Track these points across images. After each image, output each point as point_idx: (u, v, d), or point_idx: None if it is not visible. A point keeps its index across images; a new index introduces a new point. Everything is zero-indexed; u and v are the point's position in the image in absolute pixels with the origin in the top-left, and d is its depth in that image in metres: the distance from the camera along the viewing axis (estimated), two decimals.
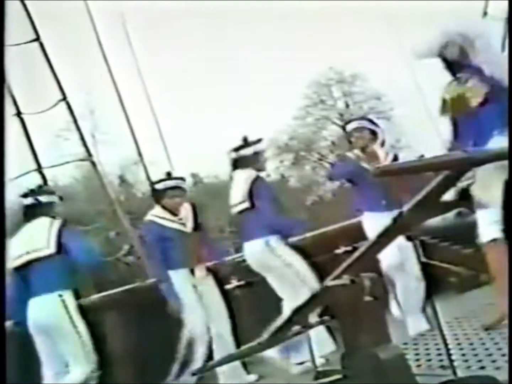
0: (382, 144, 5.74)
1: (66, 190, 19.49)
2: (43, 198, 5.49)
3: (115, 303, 6.52)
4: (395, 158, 5.70)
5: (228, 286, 5.74)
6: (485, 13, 11.05)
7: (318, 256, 5.52)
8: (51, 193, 5.76)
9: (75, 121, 9.09)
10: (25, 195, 5.51)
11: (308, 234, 8.25)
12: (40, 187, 5.88)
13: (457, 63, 4.69)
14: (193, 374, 5.25)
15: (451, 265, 5.92)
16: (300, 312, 2.67)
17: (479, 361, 3.97)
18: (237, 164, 5.64)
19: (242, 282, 5.76)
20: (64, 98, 8.99)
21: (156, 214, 5.68)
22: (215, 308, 5.59)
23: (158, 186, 5.73)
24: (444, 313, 4.48)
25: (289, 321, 2.76)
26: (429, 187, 1.94)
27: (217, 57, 25.62)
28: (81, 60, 13.94)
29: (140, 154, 10.34)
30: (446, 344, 3.41)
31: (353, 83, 29.73)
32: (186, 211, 5.72)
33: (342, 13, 23.18)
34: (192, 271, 5.56)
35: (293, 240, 5.60)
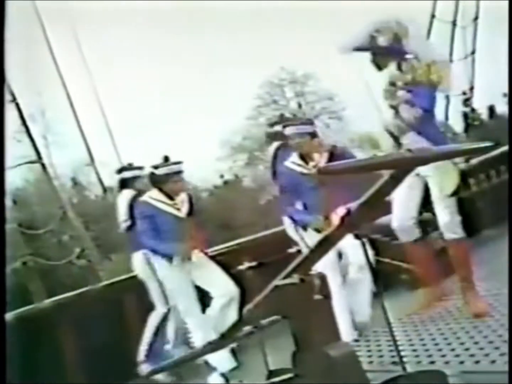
0: (320, 143, 5.62)
1: (19, 193, 19.17)
2: (124, 175, 6.45)
3: (68, 307, 6.46)
4: (331, 156, 5.55)
5: None
6: (433, 16, 11.24)
7: (270, 256, 5.53)
8: (133, 169, 6.53)
9: (24, 122, 8.94)
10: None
11: (260, 234, 8.29)
12: (123, 167, 6.75)
13: (386, 52, 4.72)
14: (147, 376, 5.23)
15: (402, 262, 5.99)
16: (250, 312, 2.68)
17: (429, 356, 4.05)
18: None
19: None
20: (14, 100, 8.83)
21: (152, 196, 5.67)
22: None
23: (158, 172, 5.69)
24: (396, 310, 4.54)
25: (240, 322, 2.76)
26: (375, 187, 1.95)
27: (168, 58, 25.51)
28: (30, 61, 13.71)
29: (91, 156, 10.24)
30: (395, 341, 3.45)
31: (305, 83, 29.84)
32: (182, 198, 5.77)
33: (292, 12, 23.34)
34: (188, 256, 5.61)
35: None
